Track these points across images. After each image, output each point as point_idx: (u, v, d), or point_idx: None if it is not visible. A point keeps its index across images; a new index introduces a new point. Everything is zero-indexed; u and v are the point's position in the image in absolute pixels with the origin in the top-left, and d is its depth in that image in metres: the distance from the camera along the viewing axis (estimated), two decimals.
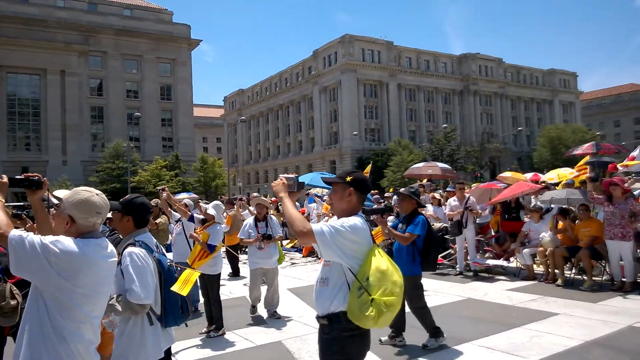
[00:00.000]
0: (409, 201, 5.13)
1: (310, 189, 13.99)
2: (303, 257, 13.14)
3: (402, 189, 5.60)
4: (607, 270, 7.93)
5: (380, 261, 2.58)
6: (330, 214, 9.85)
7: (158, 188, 7.46)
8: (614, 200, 7.49)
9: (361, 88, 68.05)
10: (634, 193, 8.17)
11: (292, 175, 2.89)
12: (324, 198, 13.85)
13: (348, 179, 2.80)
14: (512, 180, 12.27)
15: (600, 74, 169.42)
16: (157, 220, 8.01)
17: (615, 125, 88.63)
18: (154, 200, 8.23)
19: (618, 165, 10.60)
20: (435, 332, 5.30)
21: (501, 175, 14.32)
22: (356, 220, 2.67)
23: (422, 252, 5.20)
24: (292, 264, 12.14)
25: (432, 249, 5.29)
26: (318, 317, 2.74)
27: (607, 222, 7.56)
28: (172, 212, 7.41)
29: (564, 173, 12.94)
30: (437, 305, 7.08)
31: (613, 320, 5.88)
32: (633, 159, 11.13)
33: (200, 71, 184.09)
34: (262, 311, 6.92)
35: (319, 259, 11.91)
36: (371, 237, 2.73)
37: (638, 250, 7.55)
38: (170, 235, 8.13)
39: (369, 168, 13.11)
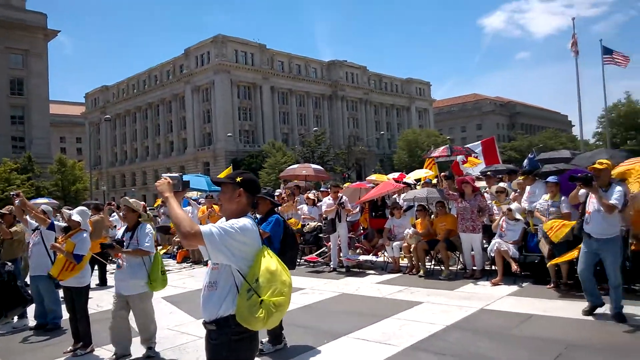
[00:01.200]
0: (263, 202, 5.14)
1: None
2: (177, 263, 12.64)
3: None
4: (461, 260, 8.89)
5: (270, 262, 2.60)
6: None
7: (11, 193, 6.60)
8: (466, 197, 8.44)
9: (235, 89, 67.41)
10: (482, 190, 9.27)
11: (177, 175, 2.79)
12: (200, 201, 13.47)
13: (238, 179, 2.79)
14: (379, 181, 13.15)
15: (450, 84, 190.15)
16: (12, 229, 7.12)
17: (462, 130, 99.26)
18: (6, 207, 7.31)
19: (464, 165, 11.99)
20: (276, 338, 5.24)
21: (369, 178, 15.20)
22: (245, 222, 2.66)
23: (279, 252, 4.87)
24: (165, 271, 11.58)
25: (288, 248, 5.19)
26: (205, 323, 2.67)
27: (460, 217, 8.49)
28: (28, 220, 6.65)
29: (426, 173, 14.20)
30: (314, 302, 7.35)
31: (467, 305, 6.60)
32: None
33: (58, 65, 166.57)
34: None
35: (196, 264, 11.61)
36: (260, 237, 2.74)
37: (484, 241, 8.58)
38: (27, 246, 7.26)
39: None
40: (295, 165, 16.38)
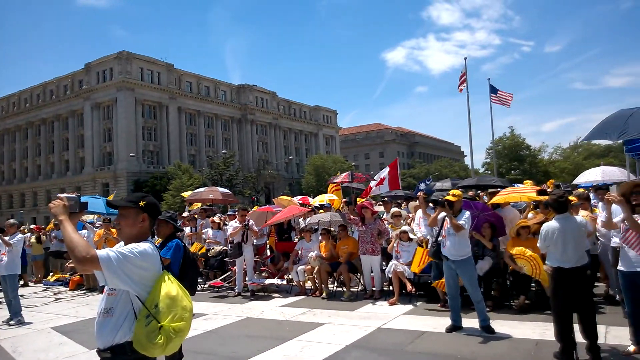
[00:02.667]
0: (166, 226, 5.10)
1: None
2: (70, 290, 11.78)
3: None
4: (362, 281, 9.27)
5: (170, 287, 2.58)
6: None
7: None
8: (366, 221, 8.89)
9: (139, 108, 64.60)
10: (380, 215, 9.81)
11: (73, 195, 2.66)
12: (96, 224, 12.73)
13: (142, 203, 2.74)
14: (285, 203, 13.34)
15: (355, 113, 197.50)
16: None
17: (366, 157, 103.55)
18: None
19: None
20: None
21: (275, 199, 15.32)
22: (146, 246, 2.62)
23: (179, 277, 4.80)
24: (57, 299, 10.76)
25: (188, 273, 5.15)
26: (100, 351, 2.58)
27: (360, 240, 8.91)
28: None
29: (329, 198, 14.64)
30: (217, 328, 7.26)
31: (367, 325, 6.91)
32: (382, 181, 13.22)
33: None
34: None
35: (90, 291, 10.88)
36: (161, 262, 2.71)
37: (384, 263, 9.05)
38: None
39: (111, 197, 12.40)
40: (202, 189, 16.07)
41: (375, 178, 13.28)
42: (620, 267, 5.03)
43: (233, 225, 10.01)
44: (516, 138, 56.96)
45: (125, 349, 2.50)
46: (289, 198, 14.29)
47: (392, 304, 8.07)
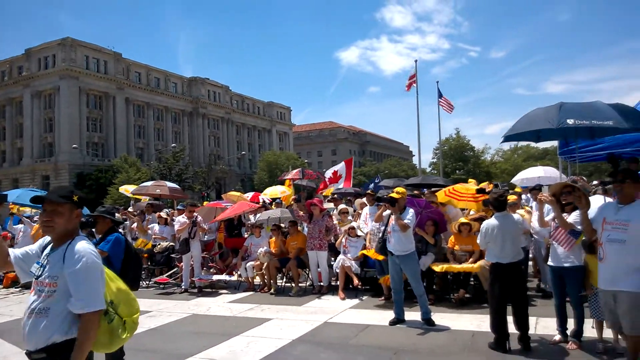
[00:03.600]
0: (103, 221, 4.99)
1: (16, 207, 12.00)
2: (4, 288, 11.22)
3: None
4: (310, 276, 9.37)
5: (117, 281, 2.57)
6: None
7: None
8: (314, 218, 9.00)
9: (84, 98, 61.84)
10: (329, 211, 9.95)
11: None
12: (35, 218, 12.15)
13: (75, 198, 2.65)
14: (234, 198, 13.26)
15: (309, 111, 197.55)
16: None
17: (319, 155, 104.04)
18: None
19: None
20: None
21: (225, 194, 15.05)
22: (83, 243, 2.57)
23: (120, 273, 4.70)
24: None
25: (130, 268, 5.08)
26: (31, 353, 2.49)
27: (309, 236, 9.01)
28: None
29: (282, 192, 14.60)
30: (162, 325, 7.15)
31: (313, 319, 7.01)
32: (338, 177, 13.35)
33: None
34: None
35: (26, 288, 10.38)
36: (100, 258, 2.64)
37: (332, 259, 9.18)
38: None
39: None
40: (149, 183, 15.62)
41: (325, 175, 13.42)
42: (549, 263, 5.38)
43: (180, 220, 9.86)
44: (461, 139, 58.93)
45: (61, 349, 2.44)
46: (238, 194, 14.18)
47: (341, 298, 8.22)
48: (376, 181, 16.59)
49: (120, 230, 5.47)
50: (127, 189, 16.86)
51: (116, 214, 6.67)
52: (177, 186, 15.69)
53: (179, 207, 11.53)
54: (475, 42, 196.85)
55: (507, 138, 6.92)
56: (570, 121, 4.37)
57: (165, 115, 73.29)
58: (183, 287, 9.85)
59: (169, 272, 10.55)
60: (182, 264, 10.01)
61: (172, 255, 10.55)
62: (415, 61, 27.44)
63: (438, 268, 7.48)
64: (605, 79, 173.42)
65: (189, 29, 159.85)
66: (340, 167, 13.66)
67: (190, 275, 9.89)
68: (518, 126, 6.23)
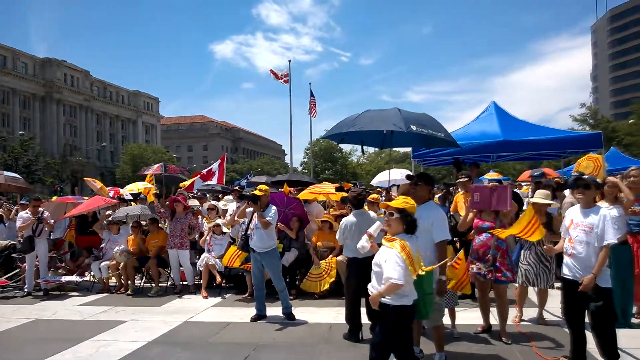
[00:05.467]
0: None
1: None
2: None
3: None
4: (171, 276, 9.03)
5: None
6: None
7: None
8: (177, 215, 8.69)
9: None
10: (193, 209, 9.68)
11: None
12: None
13: None
14: (96, 186, 12.26)
15: (180, 103, 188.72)
16: None
17: (189, 149, 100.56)
18: None
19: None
20: None
21: (88, 179, 13.57)
22: None
23: None
24: None
25: None
26: None
27: (170, 234, 8.67)
28: None
29: (144, 186, 13.78)
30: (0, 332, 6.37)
31: (172, 319, 6.77)
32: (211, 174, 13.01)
33: None
34: None
35: None
36: None
37: (197, 257, 8.95)
38: None
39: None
40: None
41: (203, 172, 13.07)
42: None
43: (23, 216, 8.85)
44: (330, 141, 61.36)
45: None
46: (100, 184, 12.99)
47: (204, 297, 8.06)
48: (248, 178, 16.59)
49: None
50: None
51: None
52: (17, 175, 13.90)
53: (22, 201, 10.29)
54: (346, 47, 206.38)
55: (335, 136, 6.39)
56: (413, 127, 4.77)
57: (12, 98, 64.83)
58: (26, 290, 8.88)
59: (9, 274, 9.40)
60: (25, 264, 9.00)
61: (14, 255, 9.43)
62: (289, 61, 27.97)
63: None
64: (460, 92, 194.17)
65: (44, 4, 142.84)
66: (215, 164, 13.47)
67: (34, 276, 8.92)
68: (360, 124, 5.54)
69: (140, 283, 9.03)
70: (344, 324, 5.74)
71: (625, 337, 5.04)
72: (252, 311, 6.74)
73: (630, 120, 44.28)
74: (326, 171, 57.57)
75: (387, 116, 4.98)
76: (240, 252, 7.20)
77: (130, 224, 9.45)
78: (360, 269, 5.53)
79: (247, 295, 7.93)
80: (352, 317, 5.59)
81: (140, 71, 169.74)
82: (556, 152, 10.58)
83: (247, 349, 5.43)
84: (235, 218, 7.33)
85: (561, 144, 9.57)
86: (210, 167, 12.64)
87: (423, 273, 3.72)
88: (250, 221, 6.66)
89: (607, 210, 4.39)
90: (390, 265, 3.56)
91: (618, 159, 13.44)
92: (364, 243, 4.19)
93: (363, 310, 5.61)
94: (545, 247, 4.97)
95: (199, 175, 13.33)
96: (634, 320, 5.74)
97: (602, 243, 4.19)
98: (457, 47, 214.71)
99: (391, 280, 3.53)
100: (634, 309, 5.87)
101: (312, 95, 28.13)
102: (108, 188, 14.21)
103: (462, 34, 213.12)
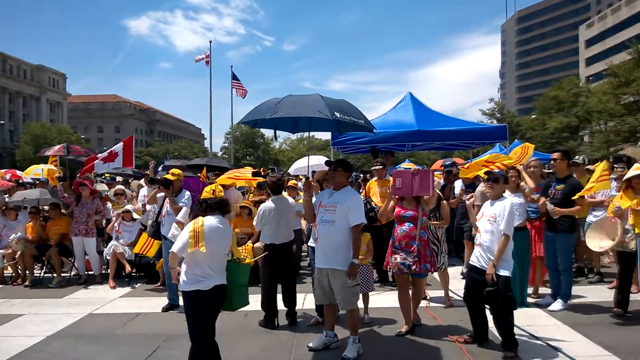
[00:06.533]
0: None
1: None
2: None
3: None
4: (75, 265, 8.44)
5: None
6: None
7: None
8: (83, 200, 8.11)
9: None
10: (101, 194, 9.10)
11: None
12: None
13: None
14: None
15: (90, 80, 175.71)
16: None
17: (99, 130, 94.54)
18: None
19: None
20: None
21: None
22: None
23: None
24: None
25: None
26: None
27: (74, 220, 8.08)
28: None
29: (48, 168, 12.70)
30: None
31: (76, 312, 6.35)
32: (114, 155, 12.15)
33: None
34: None
35: None
36: None
37: (103, 245, 8.42)
38: None
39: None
40: None
41: (104, 154, 12.18)
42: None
43: None
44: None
45: None
46: None
47: (112, 287, 7.62)
48: (164, 162, 15.88)
49: None
50: None
51: None
52: None
53: None
54: (269, 32, 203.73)
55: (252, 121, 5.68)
56: (337, 114, 4.78)
57: None
58: None
59: None
60: None
61: None
62: (210, 42, 27.07)
63: None
64: (379, 82, 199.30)
65: None
66: (118, 146, 12.64)
67: None
68: (284, 110, 5.06)
69: (40, 273, 8.35)
70: (260, 310, 5.65)
71: (523, 316, 5.47)
72: (164, 301, 6.46)
73: (533, 116, 48.04)
74: (247, 157, 56.91)
75: (311, 102, 4.91)
76: (152, 242, 6.85)
77: (29, 210, 8.70)
78: (276, 254, 5.52)
79: (158, 284, 7.61)
80: (268, 303, 5.56)
81: (45, 44, 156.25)
82: (466, 143, 11.18)
83: (158, 340, 5.21)
84: (145, 204, 6.96)
85: (470, 135, 10.13)
86: (111, 149, 11.84)
87: (203, 249, 3.60)
88: (162, 207, 6.35)
89: (510, 199, 4.69)
90: (179, 239, 3.76)
91: None
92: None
93: (280, 296, 5.63)
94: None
95: (101, 159, 12.43)
96: (529, 300, 6.23)
97: (502, 231, 4.45)
98: (378, 39, 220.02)
99: (171, 250, 3.75)
100: (530, 290, 6.36)
101: (235, 78, 27.45)
102: (3, 170, 12.95)
103: (382, 26, 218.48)
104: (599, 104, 34.63)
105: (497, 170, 6.12)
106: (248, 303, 4.28)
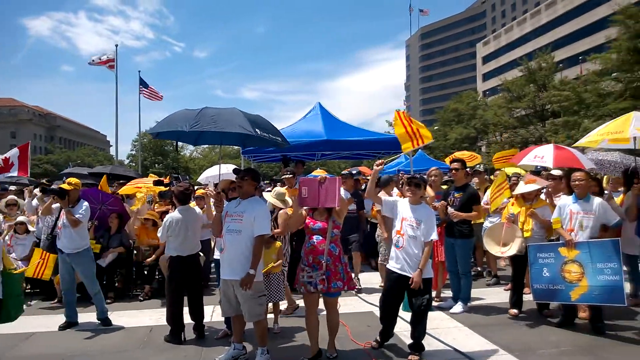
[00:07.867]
0: None
1: None
2: None
3: None
4: None
5: None
6: None
7: None
8: None
9: None
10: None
11: None
12: None
13: None
14: None
15: None
16: None
17: None
18: None
19: None
20: None
21: None
22: None
23: None
24: None
25: None
26: None
27: None
28: None
29: None
30: None
31: None
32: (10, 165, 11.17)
33: None
34: None
35: None
36: None
37: None
38: None
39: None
40: None
41: None
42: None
43: None
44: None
45: None
46: None
47: None
48: (68, 169, 14.94)
49: None
50: None
51: None
52: None
53: None
54: (180, 37, 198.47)
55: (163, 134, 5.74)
56: (258, 131, 4.76)
57: None
58: None
59: None
60: None
61: None
62: (116, 45, 25.78)
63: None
64: (291, 92, 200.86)
65: None
66: (13, 153, 11.63)
67: None
68: (202, 123, 5.00)
69: None
70: (165, 325, 5.49)
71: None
72: (61, 319, 6.09)
73: (435, 127, 50.96)
74: (156, 165, 54.61)
75: (230, 116, 4.83)
76: (48, 257, 6.41)
77: None
78: (183, 266, 5.38)
79: (55, 301, 7.15)
80: (174, 317, 5.37)
81: None
82: (372, 152, 11.67)
83: (56, 359, 4.91)
84: (40, 215, 6.51)
85: (376, 145, 10.60)
86: (4, 156, 10.86)
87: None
88: (57, 219, 5.98)
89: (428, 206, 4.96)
90: None
91: (423, 161, 15.36)
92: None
93: (186, 310, 5.49)
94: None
95: None
96: (433, 304, 6.60)
97: (428, 238, 4.70)
98: (290, 50, 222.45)
99: None
100: (433, 294, 6.76)
101: (144, 83, 26.36)
102: None
103: (294, 37, 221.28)
104: (494, 116, 37.75)
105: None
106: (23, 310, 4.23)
